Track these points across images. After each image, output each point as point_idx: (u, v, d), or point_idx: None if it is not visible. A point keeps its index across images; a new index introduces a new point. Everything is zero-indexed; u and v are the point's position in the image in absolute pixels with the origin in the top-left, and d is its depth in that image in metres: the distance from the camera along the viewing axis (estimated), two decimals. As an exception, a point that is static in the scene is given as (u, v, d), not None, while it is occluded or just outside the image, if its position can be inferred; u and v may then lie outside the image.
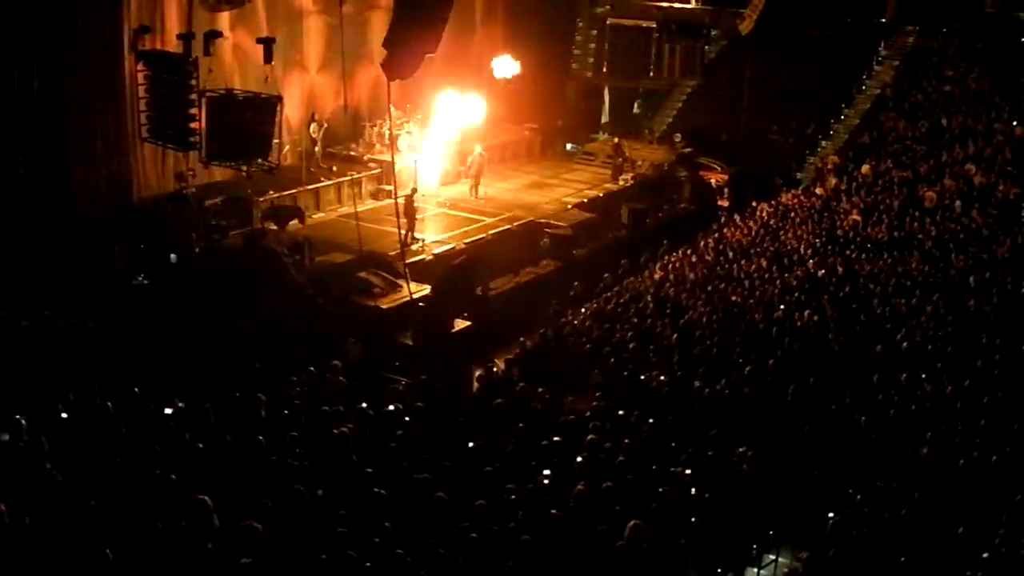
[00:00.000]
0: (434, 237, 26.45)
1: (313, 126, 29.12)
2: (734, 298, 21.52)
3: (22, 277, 20.04)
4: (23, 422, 11.98)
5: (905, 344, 18.93)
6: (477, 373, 19.46)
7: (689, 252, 25.70)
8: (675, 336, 19.59)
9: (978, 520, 13.13)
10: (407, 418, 14.97)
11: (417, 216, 26.50)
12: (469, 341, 21.02)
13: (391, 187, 25.43)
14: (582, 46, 39.33)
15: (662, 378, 17.88)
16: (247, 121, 22.88)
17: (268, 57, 23.57)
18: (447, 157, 31.23)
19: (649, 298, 21.94)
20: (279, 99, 23.23)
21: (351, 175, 28.74)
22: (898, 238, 25.56)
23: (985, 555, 12.24)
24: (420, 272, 23.03)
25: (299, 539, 10.23)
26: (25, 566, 9.01)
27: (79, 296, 19.69)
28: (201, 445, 12.60)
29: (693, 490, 13.66)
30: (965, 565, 12.19)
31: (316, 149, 29.12)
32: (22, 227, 21.68)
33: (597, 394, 16.90)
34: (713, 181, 33.47)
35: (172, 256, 22.70)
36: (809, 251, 24.71)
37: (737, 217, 28.92)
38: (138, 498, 10.57)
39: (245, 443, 12.70)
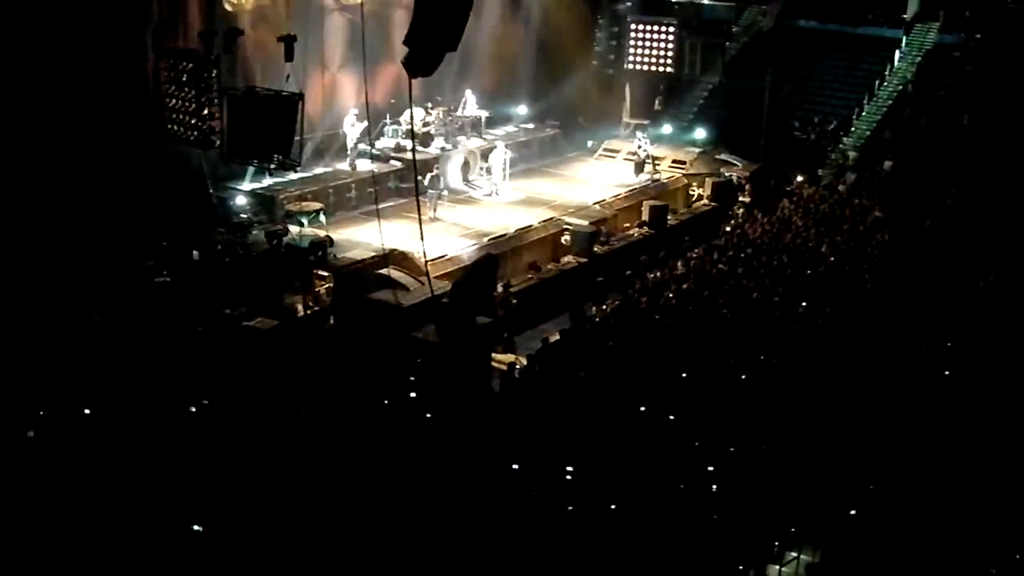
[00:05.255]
0: (455, 235, 26.47)
1: (352, 118, 29.15)
2: (755, 295, 21.48)
3: (46, 277, 20.15)
4: (48, 418, 12.10)
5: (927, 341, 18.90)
6: (499, 369, 19.52)
7: (710, 248, 25.66)
8: (696, 332, 19.60)
9: (998, 518, 13.12)
10: (429, 415, 15.03)
11: (442, 192, 27.40)
12: (491, 338, 21.05)
13: (412, 184, 25.45)
14: (603, 43, 39.31)
15: (683, 375, 17.91)
16: (268, 119, 22.94)
17: (289, 55, 23.56)
18: (469, 154, 31.39)
19: (670, 294, 21.94)
20: (300, 96, 23.26)
21: (373, 172, 28.78)
22: (918, 233, 25.44)
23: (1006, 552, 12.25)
24: (442, 269, 23.09)
25: (319, 536, 10.30)
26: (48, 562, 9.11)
27: (102, 294, 19.81)
28: (223, 443, 12.70)
29: (715, 487, 13.69)
30: (985, 561, 12.18)
31: (349, 146, 29.22)
32: (44, 226, 21.80)
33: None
34: (734, 177, 33.41)
35: (194, 253, 22.81)
36: (830, 247, 24.64)
37: (758, 213, 28.86)
38: (159, 494, 10.67)
39: (261, 446, 12.79)
